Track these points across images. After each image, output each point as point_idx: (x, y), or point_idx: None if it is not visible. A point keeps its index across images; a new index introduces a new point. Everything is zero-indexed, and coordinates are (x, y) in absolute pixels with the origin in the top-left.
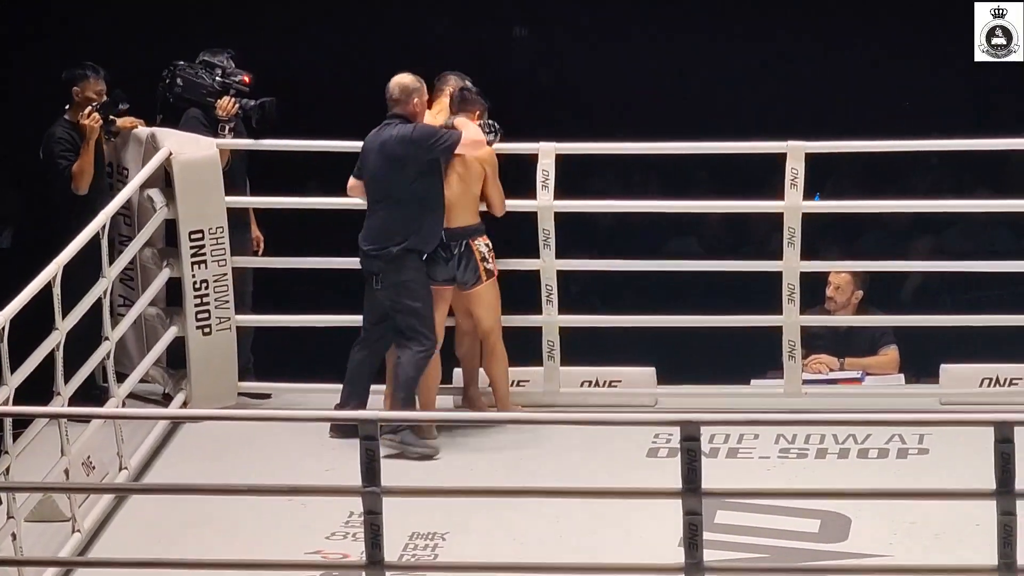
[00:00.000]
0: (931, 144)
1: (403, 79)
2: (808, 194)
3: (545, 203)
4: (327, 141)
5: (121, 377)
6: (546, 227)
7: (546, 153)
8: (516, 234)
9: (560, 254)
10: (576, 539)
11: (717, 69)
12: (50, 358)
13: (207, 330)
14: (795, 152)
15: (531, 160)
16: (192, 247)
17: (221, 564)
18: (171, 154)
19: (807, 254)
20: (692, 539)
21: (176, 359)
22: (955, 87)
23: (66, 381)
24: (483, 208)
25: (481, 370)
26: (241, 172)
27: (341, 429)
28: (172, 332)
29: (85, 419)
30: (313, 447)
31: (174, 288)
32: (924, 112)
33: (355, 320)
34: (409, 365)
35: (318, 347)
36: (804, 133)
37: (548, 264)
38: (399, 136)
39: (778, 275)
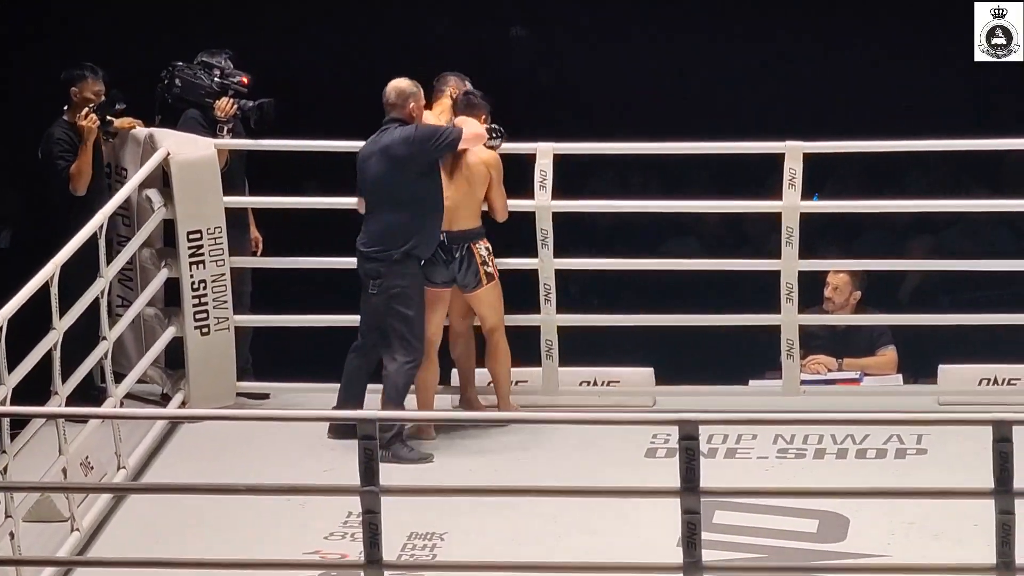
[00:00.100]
0: (929, 144)
1: (399, 83)
2: (807, 194)
3: (543, 203)
4: (325, 141)
5: (119, 377)
6: (544, 227)
7: (544, 153)
8: (515, 234)
9: (559, 254)
10: (574, 539)
11: (716, 69)
12: (48, 358)
13: (205, 330)
14: (793, 152)
15: (529, 160)
16: (190, 247)
17: (219, 564)
18: (169, 154)
19: (806, 254)
20: (690, 539)
21: (174, 359)
22: (955, 87)
23: (64, 381)
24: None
25: (481, 369)
26: (240, 172)
27: (339, 430)
28: (170, 332)
29: (83, 419)
30: (311, 447)
31: (172, 288)
32: (924, 112)
33: (353, 320)
34: (398, 375)
35: (316, 347)
36: (804, 133)
37: (546, 263)
38: (402, 137)
39: (776, 275)
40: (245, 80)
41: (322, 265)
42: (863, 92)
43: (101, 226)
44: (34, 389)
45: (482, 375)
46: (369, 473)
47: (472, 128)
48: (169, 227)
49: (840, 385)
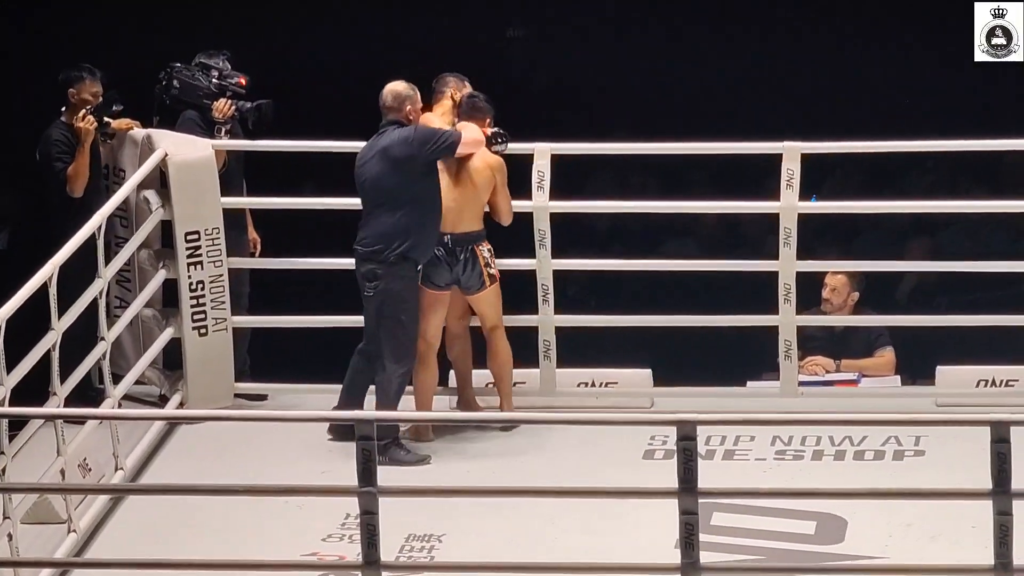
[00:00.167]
0: (928, 145)
1: (396, 86)
2: (804, 195)
3: (541, 204)
4: (323, 142)
5: (117, 378)
6: (542, 227)
7: (542, 154)
8: (512, 234)
9: (557, 254)
10: (572, 539)
11: (714, 69)
12: (46, 359)
13: (203, 331)
14: (791, 153)
15: (527, 161)
16: (188, 248)
17: (217, 565)
18: (167, 155)
19: (804, 255)
20: (688, 540)
21: (172, 360)
22: (955, 87)
23: (62, 382)
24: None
25: (478, 371)
26: (238, 173)
27: (339, 431)
28: (168, 333)
29: (81, 420)
30: (309, 448)
31: (170, 289)
32: (924, 112)
33: (351, 321)
34: (390, 382)
35: (314, 348)
36: (803, 133)
37: (544, 264)
38: (401, 138)
39: (774, 276)
40: (243, 81)
41: (320, 266)
42: (863, 92)
43: (99, 227)
44: (32, 390)
45: (479, 376)
46: (367, 474)
47: (471, 134)
48: (167, 228)
49: (838, 386)
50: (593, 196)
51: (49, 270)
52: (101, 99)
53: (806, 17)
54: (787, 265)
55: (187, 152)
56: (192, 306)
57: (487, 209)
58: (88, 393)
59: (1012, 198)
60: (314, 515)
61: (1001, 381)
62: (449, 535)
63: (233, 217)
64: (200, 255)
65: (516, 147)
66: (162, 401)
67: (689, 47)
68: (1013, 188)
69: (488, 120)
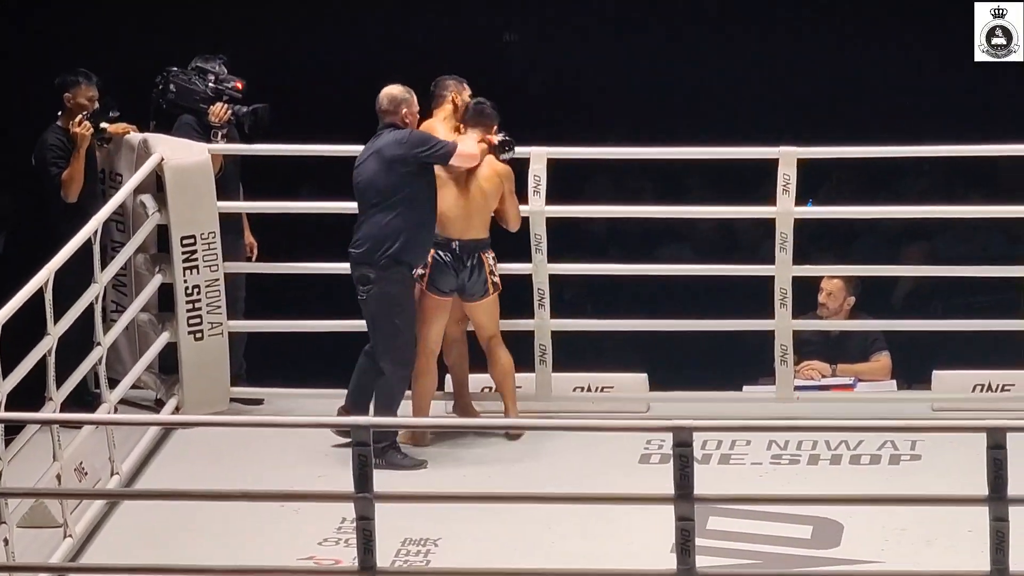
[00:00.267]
0: (924, 150)
1: (392, 90)
2: (801, 199)
3: (537, 208)
4: (320, 145)
5: (113, 383)
6: (538, 232)
7: (538, 158)
8: (509, 239)
9: (553, 259)
10: (568, 544)
11: (711, 74)
12: (42, 364)
13: (199, 335)
14: (787, 158)
15: (523, 165)
16: (184, 252)
17: (213, 570)
18: (163, 159)
19: (800, 260)
20: (684, 545)
21: (168, 364)
22: (955, 87)
23: (58, 387)
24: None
25: (474, 376)
26: (234, 178)
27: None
28: (164, 337)
29: (77, 425)
30: (306, 453)
31: (167, 293)
32: (924, 112)
33: (347, 325)
34: (390, 385)
35: (311, 352)
36: (803, 134)
37: (540, 269)
38: (395, 139)
39: (770, 280)
40: (239, 85)
41: (317, 270)
42: (863, 93)
43: (96, 231)
44: (29, 395)
45: (476, 381)
46: (363, 479)
47: (467, 148)
48: (163, 232)
49: (834, 391)
50: (590, 200)
51: (45, 275)
52: (98, 105)
53: (806, 17)
54: (783, 270)
55: (183, 156)
56: (188, 310)
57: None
58: (84, 398)
59: (1008, 202)
60: (310, 519)
61: (997, 386)
62: (445, 540)
63: (230, 221)
64: (196, 259)
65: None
66: (158, 405)
67: (686, 51)
68: (1009, 192)
69: (494, 127)
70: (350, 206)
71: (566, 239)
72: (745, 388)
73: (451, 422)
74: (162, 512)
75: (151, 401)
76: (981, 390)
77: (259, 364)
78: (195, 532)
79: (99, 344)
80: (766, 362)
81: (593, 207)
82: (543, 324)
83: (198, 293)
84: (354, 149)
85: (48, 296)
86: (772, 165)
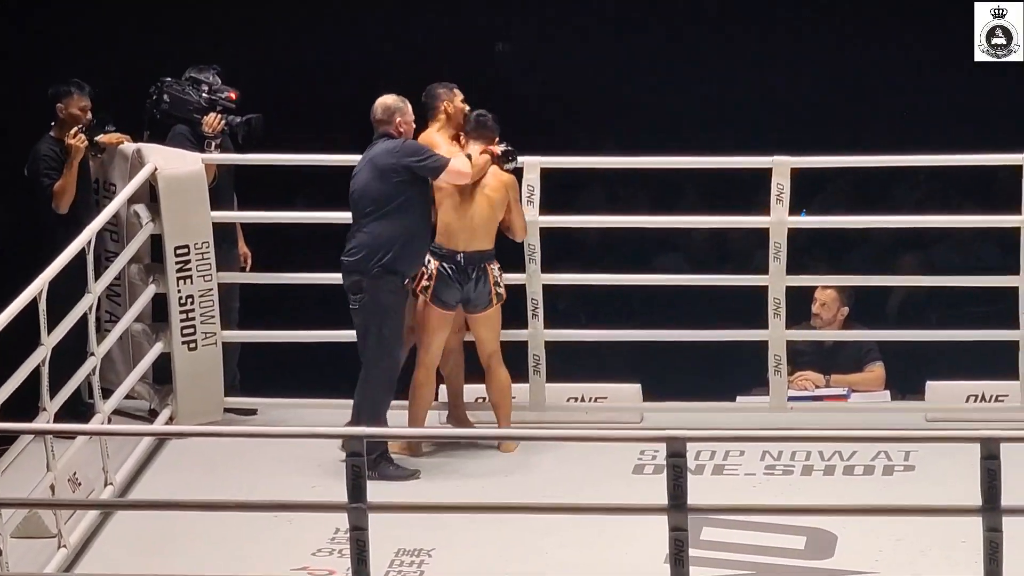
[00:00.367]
0: (918, 159)
1: (386, 100)
2: (795, 209)
3: (530, 218)
4: (313, 155)
5: (107, 393)
6: (531, 242)
7: (531, 168)
8: (502, 249)
9: (547, 269)
10: (562, 554)
11: (705, 83)
12: (36, 374)
13: (193, 345)
14: (780, 168)
15: (517, 175)
16: (177, 262)
17: None
18: (156, 169)
19: (794, 271)
20: (678, 555)
21: (162, 375)
22: (955, 87)
23: (52, 397)
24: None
25: (470, 386)
26: (228, 188)
27: None
28: (158, 348)
29: (71, 435)
30: (299, 463)
31: (160, 304)
32: (924, 112)
33: (341, 336)
34: (373, 397)
35: (305, 363)
36: (802, 136)
37: (534, 279)
38: (387, 148)
39: (764, 291)
40: (233, 96)
41: (311, 281)
42: (862, 93)
43: (89, 241)
44: (22, 405)
45: (470, 391)
46: (357, 489)
47: (458, 164)
48: (157, 242)
49: (827, 401)
50: (583, 209)
51: (39, 285)
52: (94, 119)
53: (805, 17)
54: (777, 280)
55: (177, 166)
56: (182, 320)
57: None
58: (78, 408)
59: (1003, 212)
60: (304, 529)
61: (991, 396)
62: (439, 550)
63: (224, 231)
64: (190, 269)
65: None
66: (152, 416)
67: (681, 60)
68: (1004, 202)
69: (495, 139)
70: (344, 216)
71: (560, 249)
72: (739, 398)
73: (445, 432)
74: (156, 522)
75: (145, 411)
76: (975, 400)
77: (252, 374)
78: (189, 543)
79: (93, 354)
80: (760, 372)
81: (587, 217)
82: (537, 334)
83: (192, 303)
84: (348, 159)
85: (42, 306)
86: (766, 174)
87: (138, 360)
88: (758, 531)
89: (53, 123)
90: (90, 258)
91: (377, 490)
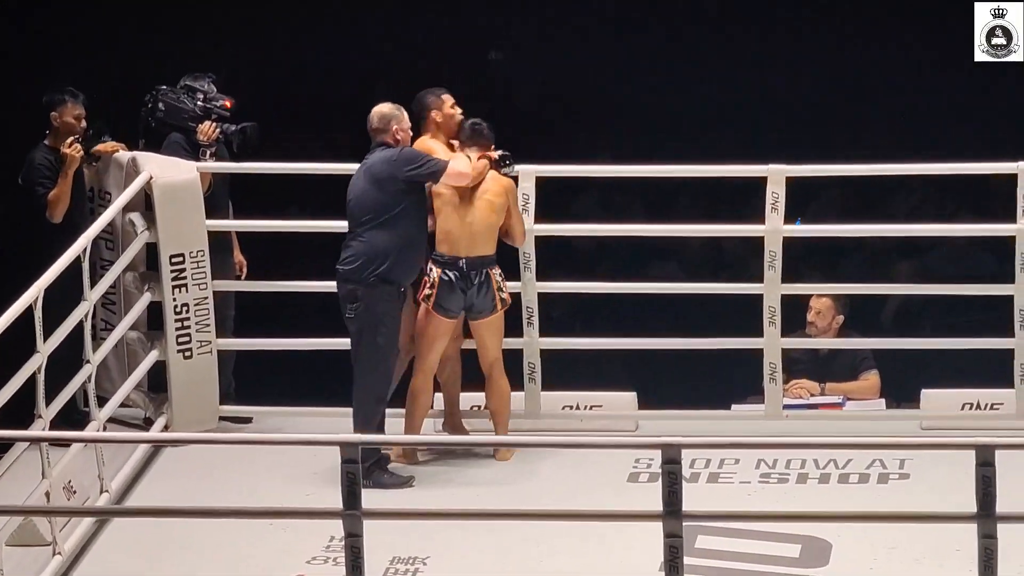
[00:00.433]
0: (913, 168)
1: (382, 108)
2: (789, 217)
3: (526, 226)
4: (308, 164)
5: (102, 401)
6: (527, 250)
7: (527, 176)
8: (497, 257)
9: (541, 277)
10: (557, 562)
11: (700, 91)
12: (31, 381)
13: (188, 354)
14: (775, 176)
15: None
16: (173, 271)
17: None
18: (152, 178)
19: (789, 279)
20: (673, 563)
21: (157, 383)
22: (955, 87)
23: (47, 404)
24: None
25: (466, 394)
26: (223, 196)
27: None
28: (153, 356)
29: (66, 442)
30: (294, 471)
31: (156, 312)
32: (924, 113)
33: (336, 344)
34: (368, 406)
35: (300, 371)
36: (802, 137)
37: (529, 287)
38: (385, 157)
39: (759, 299)
40: (228, 104)
41: (306, 289)
42: (862, 93)
43: (85, 250)
44: (18, 413)
45: (465, 399)
46: (352, 497)
47: (458, 165)
48: (152, 251)
49: (822, 409)
50: (577, 217)
51: (34, 293)
52: (90, 129)
53: (805, 17)
54: (772, 288)
55: (172, 175)
56: (177, 329)
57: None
58: (73, 416)
59: (998, 220)
60: (299, 537)
61: (986, 404)
62: (433, 557)
63: (219, 239)
64: (185, 277)
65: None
66: (147, 424)
67: (676, 68)
68: (999, 210)
69: (491, 146)
70: (339, 225)
71: (554, 257)
72: (734, 406)
73: (441, 439)
74: (151, 530)
75: (140, 419)
76: (970, 408)
77: (248, 382)
78: (184, 550)
79: (88, 362)
80: (755, 380)
81: (582, 225)
82: (532, 342)
83: (187, 311)
84: (343, 167)
85: (38, 314)
86: (761, 180)
87: (133, 368)
88: (753, 539)
89: (48, 131)
90: (86, 266)
91: (372, 498)
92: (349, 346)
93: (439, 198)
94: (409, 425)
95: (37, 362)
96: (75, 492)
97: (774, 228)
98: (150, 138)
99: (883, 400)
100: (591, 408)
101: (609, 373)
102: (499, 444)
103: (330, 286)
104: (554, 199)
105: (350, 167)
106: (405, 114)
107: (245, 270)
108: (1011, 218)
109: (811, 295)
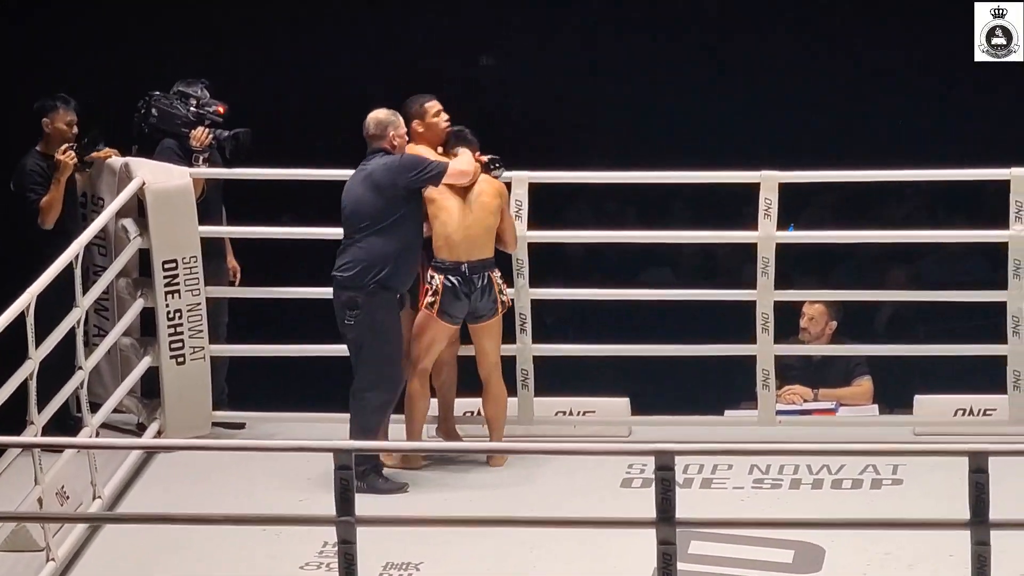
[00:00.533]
0: (906, 174)
1: (378, 114)
2: (783, 223)
3: (519, 233)
4: (301, 170)
5: (95, 407)
6: (520, 256)
7: (519, 183)
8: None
9: (535, 283)
10: (550, 567)
11: (694, 97)
12: (23, 388)
13: (181, 360)
14: (768, 182)
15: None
16: (165, 276)
17: None
18: (144, 184)
19: (782, 285)
20: (666, 569)
21: (150, 389)
22: (955, 87)
23: (40, 411)
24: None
25: (460, 400)
26: (217, 202)
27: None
28: (146, 362)
29: (59, 448)
30: (287, 477)
31: (149, 318)
32: (923, 113)
33: (329, 350)
34: (370, 412)
35: (293, 377)
36: (801, 138)
37: (522, 294)
38: (386, 164)
39: (752, 305)
40: (221, 109)
41: (300, 295)
42: (861, 93)
43: (77, 255)
44: (10, 419)
45: (458, 405)
46: (345, 503)
47: (460, 164)
48: (145, 256)
49: (816, 415)
50: (570, 224)
51: (27, 299)
52: (86, 137)
53: (805, 16)
54: (765, 294)
55: (164, 180)
56: (170, 335)
57: None
58: (66, 422)
59: (991, 226)
60: (292, 543)
61: (979, 410)
62: (427, 563)
63: (212, 245)
64: (177, 283)
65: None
66: (140, 429)
67: (670, 73)
68: (992, 216)
69: (476, 151)
70: (333, 231)
71: (548, 264)
72: (727, 412)
73: (434, 445)
74: (144, 536)
75: (133, 425)
76: (962, 414)
77: (241, 388)
78: (177, 556)
79: (81, 368)
80: (748, 386)
81: (575, 232)
82: (525, 349)
83: (180, 317)
84: (337, 173)
85: (30, 320)
86: (754, 185)
87: (126, 374)
88: (746, 545)
89: (40, 138)
90: (78, 272)
91: (365, 504)
92: (346, 353)
93: (433, 204)
94: (410, 431)
95: (29, 368)
96: (68, 498)
97: (767, 234)
98: (143, 144)
99: (876, 406)
100: (584, 414)
101: (602, 379)
102: (492, 451)
103: (324, 292)
104: (547, 206)
105: (343, 173)
106: (401, 119)
107: (239, 276)
108: (1004, 224)
109: (804, 301)
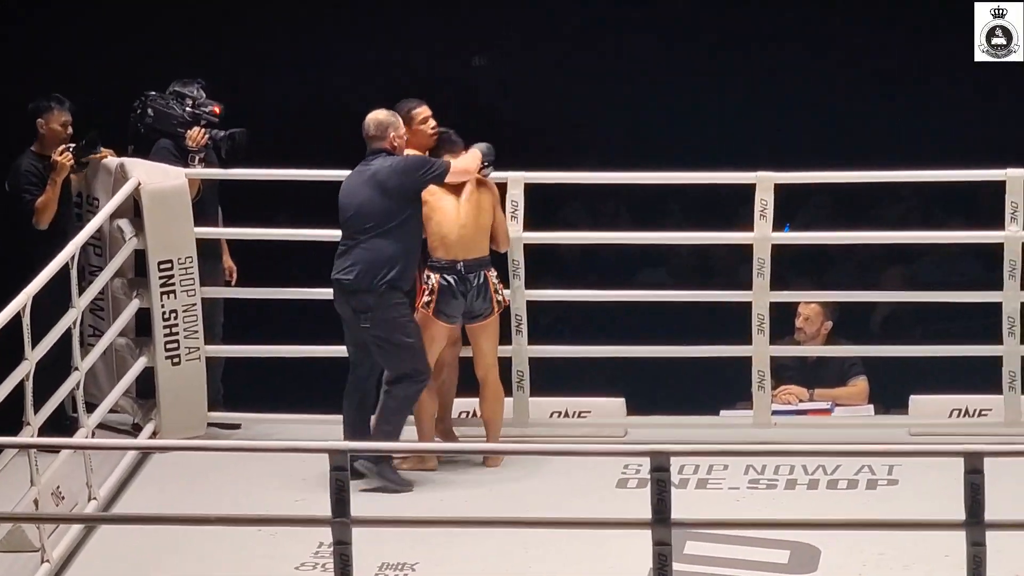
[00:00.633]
0: (901, 175)
1: (377, 115)
2: (778, 223)
3: (515, 234)
4: (297, 170)
5: (91, 407)
6: (515, 258)
7: (515, 183)
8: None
9: (530, 284)
10: (546, 568)
11: (689, 98)
12: (19, 388)
13: (176, 360)
14: (764, 184)
15: (500, 191)
16: (161, 277)
17: None
18: (140, 184)
19: (777, 286)
20: (662, 570)
21: (146, 389)
22: (955, 87)
23: (36, 411)
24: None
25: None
26: (213, 202)
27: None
28: (142, 362)
29: (54, 449)
30: (283, 477)
31: (144, 318)
32: (923, 113)
33: (325, 351)
34: (401, 400)
35: (288, 377)
36: (801, 139)
37: (518, 295)
38: (390, 166)
39: (748, 306)
40: (217, 110)
41: (296, 295)
42: (861, 93)
43: (73, 256)
44: (6, 419)
45: (455, 405)
46: (341, 504)
47: (463, 163)
48: (141, 257)
49: (811, 416)
50: (565, 224)
51: (23, 300)
52: (83, 139)
53: (805, 16)
54: (760, 295)
55: (160, 181)
56: (165, 335)
57: None
58: (62, 422)
59: (986, 227)
60: (287, 543)
61: (974, 411)
62: (422, 563)
63: (208, 246)
64: (173, 284)
65: (490, 177)
66: (136, 430)
67: (661, 76)
68: (988, 217)
69: (461, 152)
70: (330, 232)
71: (543, 265)
72: (722, 413)
73: (430, 446)
74: (139, 537)
75: (128, 426)
76: (958, 415)
77: (236, 389)
78: (172, 557)
79: (76, 369)
80: (743, 387)
81: (571, 233)
82: (520, 350)
83: (175, 318)
84: (333, 174)
85: (26, 320)
86: (749, 191)
87: (122, 374)
88: (742, 545)
89: (35, 138)
90: (74, 273)
91: (361, 504)
92: (343, 353)
93: (427, 204)
94: (420, 432)
95: (25, 369)
96: (63, 498)
97: (763, 235)
98: (139, 144)
99: (871, 406)
100: (580, 415)
101: (597, 380)
102: (488, 451)
103: (320, 292)
104: (542, 207)
105: (340, 173)
106: (400, 120)
107: (235, 276)
108: (1000, 225)
109: (799, 302)
